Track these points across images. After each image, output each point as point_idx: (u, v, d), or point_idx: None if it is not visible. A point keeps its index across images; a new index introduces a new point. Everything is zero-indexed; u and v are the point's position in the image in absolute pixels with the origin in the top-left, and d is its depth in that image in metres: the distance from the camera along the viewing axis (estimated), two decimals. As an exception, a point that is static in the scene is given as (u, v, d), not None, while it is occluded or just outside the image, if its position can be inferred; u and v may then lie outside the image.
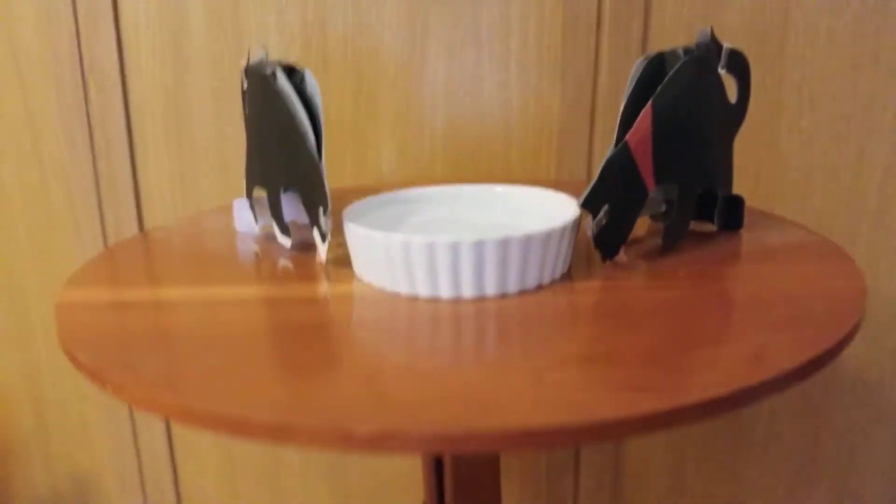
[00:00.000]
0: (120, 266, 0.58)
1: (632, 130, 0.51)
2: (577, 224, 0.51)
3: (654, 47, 0.86)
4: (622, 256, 0.55)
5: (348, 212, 0.55)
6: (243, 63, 0.65)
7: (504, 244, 0.47)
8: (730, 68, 0.60)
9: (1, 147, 0.95)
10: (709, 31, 0.59)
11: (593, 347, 0.41)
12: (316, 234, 0.56)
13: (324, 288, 0.52)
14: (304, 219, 0.65)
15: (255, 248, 0.61)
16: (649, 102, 0.52)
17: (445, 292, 0.49)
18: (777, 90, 0.86)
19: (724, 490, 1.04)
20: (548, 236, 0.49)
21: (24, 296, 1.01)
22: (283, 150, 0.57)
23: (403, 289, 0.50)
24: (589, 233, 0.51)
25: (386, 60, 0.88)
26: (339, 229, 0.64)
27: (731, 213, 0.61)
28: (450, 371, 0.39)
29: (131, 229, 0.95)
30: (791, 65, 0.86)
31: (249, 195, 0.65)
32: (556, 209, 0.57)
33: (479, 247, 0.47)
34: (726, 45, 0.59)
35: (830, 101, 0.87)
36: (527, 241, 0.48)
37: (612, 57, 0.86)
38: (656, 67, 0.56)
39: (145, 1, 0.88)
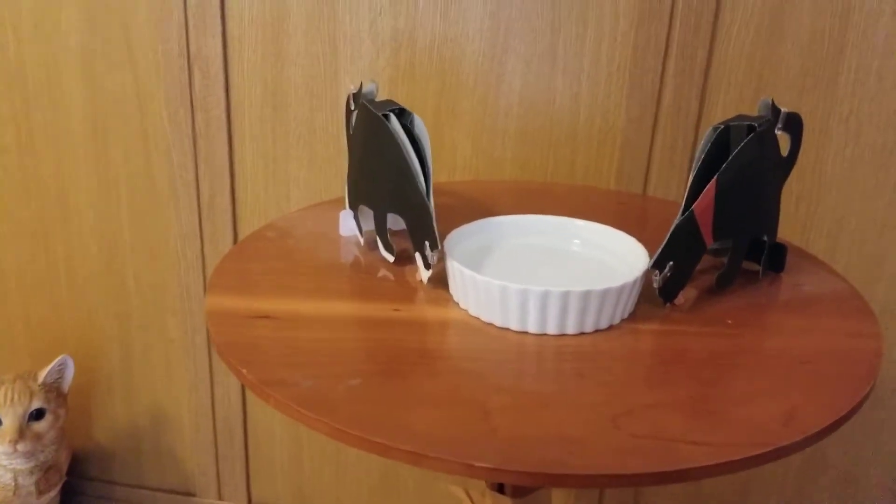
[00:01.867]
0: (248, 272, 0.68)
1: (698, 201, 0.60)
2: (645, 274, 0.61)
3: (716, 74, 0.93)
4: (680, 298, 0.64)
5: (450, 245, 0.65)
6: (352, 88, 0.74)
7: (586, 296, 0.57)
8: (786, 128, 0.69)
9: (111, 124, 1.05)
10: (769, 101, 0.67)
11: (656, 395, 0.52)
12: (419, 259, 0.66)
13: (430, 312, 0.62)
14: (399, 225, 0.74)
15: (361, 257, 0.72)
16: (714, 178, 0.60)
17: (532, 328, 0.59)
18: (826, 119, 0.94)
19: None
20: (622, 289, 0.58)
21: (122, 252, 1.13)
22: (394, 182, 0.66)
23: (497, 321, 0.60)
24: (655, 286, 0.61)
25: (467, 69, 0.96)
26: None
27: (775, 258, 0.70)
28: (546, 411, 0.50)
29: (224, 202, 1.06)
30: (841, 97, 0.93)
31: (353, 207, 0.75)
32: (626, 249, 0.66)
33: (564, 296, 0.57)
34: (784, 110, 0.67)
35: (875, 132, 0.94)
36: (604, 294, 0.58)
37: (677, 81, 0.93)
38: (722, 137, 0.65)
39: (250, 0, 0.96)
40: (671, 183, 0.97)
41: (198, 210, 1.08)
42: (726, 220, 0.62)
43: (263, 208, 1.07)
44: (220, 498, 1.26)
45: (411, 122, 0.69)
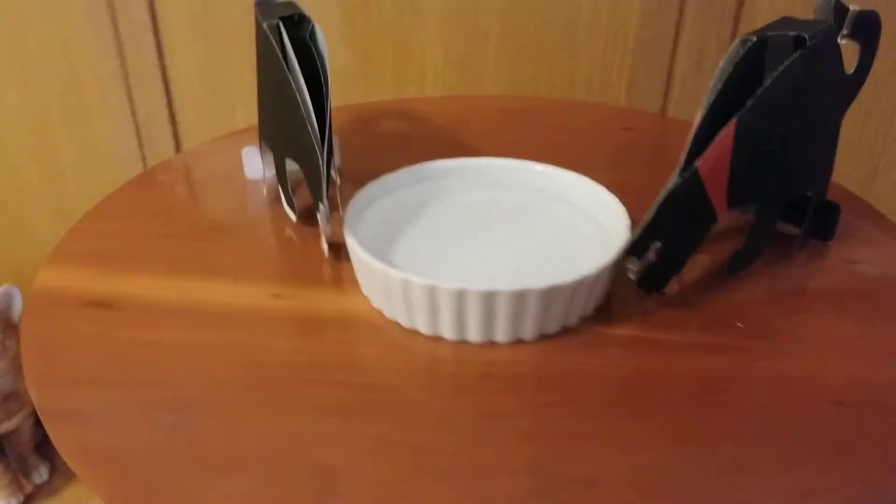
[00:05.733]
0: (109, 235, 0.52)
1: (705, 156, 0.40)
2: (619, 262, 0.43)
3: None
4: (672, 286, 0.46)
5: (358, 205, 0.47)
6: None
7: (520, 297, 0.39)
8: (854, 34, 0.47)
9: (31, 42, 0.88)
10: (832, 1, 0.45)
11: (600, 460, 0.34)
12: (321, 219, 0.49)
13: (321, 301, 0.45)
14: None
15: (262, 213, 0.54)
16: (732, 121, 0.40)
17: (448, 333, 0.42)
18: (910, 14, 0.70)
19: None
20: (576, 287, 0.40)
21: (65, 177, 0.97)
22: (286, 120, 0.48)
23: (402, 320, 0.43)
24: (630, 275, 0.42)
25: (437, -49, 0.75)
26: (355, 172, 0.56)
27: (823, 223, 0.50)
28: (421, 487, 0.33)
29: (162, 117, 0.89)
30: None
31: (260, 143, 0.57)
32: (609, 213, 0.47)
33: (488, 297, 0.39)
34: (853, 7, 0.46)
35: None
36: (547, 294, 0.40)
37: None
38: (755, 57, 0.44)
39: None
40: (699, 100, 0.76)
41: (136, 130, 0.91)
42: (749, 181, 0.43)
43: (207, 129, 0.89)
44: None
45: (312, 34, 0.50)
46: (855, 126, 0.75)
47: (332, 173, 0.55)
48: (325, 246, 0.49)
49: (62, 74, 0.87)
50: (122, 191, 0.58)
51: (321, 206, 0.47)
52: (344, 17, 0.79)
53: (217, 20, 0.82)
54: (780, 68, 0.40)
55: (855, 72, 0.50)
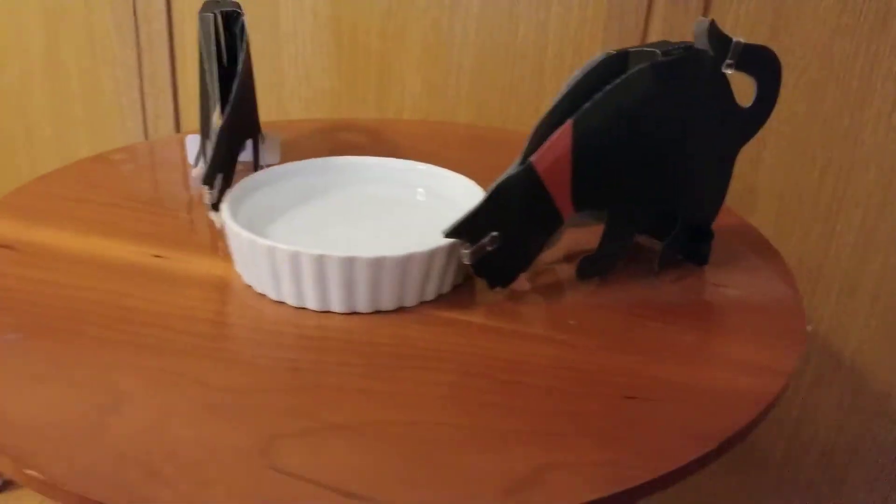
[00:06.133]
0: (45, 197, 0.57)
1: (540, 151, 0.42)
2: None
3: (718, 11, 0.72)
4: (522, 284, 0.47)
5: (247, 186, 0.51)
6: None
7: (349, 263, 0.42)
8: (743, 67, 0.49)
9: (63, 34, 0.97)
10: (707, 24, 0.47)
11: (362, 415, 0.36)
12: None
13: (198, 266, 0.49)
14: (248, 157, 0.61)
15: (189, 193, 0.59)
16: (568, 122, 0.42)
17: (290, 300, 0.44)
18: (868, 75, 0.70)
19: None
20: (406, 261, 0.42)
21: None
22: (203, 104, 0.53)
23: (255, 285, 0.46)
24: (464, 260, 0.44)
25: (417, -15, 0.80)
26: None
27: (698, 248, 0.51)
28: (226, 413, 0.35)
29: (167, 124, 0.96)
30: (891, 49, 0.69)
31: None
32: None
33: (319, 261, 0.42)
34: (736, 39, 0.48)
35: (938, 95, 0.70)
36: (376, 264, 0.42)
37: (667, 12, 0.73)
38: (618, 71, 0.46)
39: None
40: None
41: (144, 127, 0.98)
42: (594, 186, 0.44)
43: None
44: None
45: (241, 28, 0.55)
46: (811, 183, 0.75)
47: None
48: (213, 218, 0.52)
49: (86, 78, 0.95)
50: (79, 163, 0.64)
51: (207, 184, 0.50)
52: (334, 43, 0.84)
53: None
54: (620, 78, 0.42)
55: (753, 105, 0.51)
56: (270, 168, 0.53)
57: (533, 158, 0.42)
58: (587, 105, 0.42)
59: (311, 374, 0.39)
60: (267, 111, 0.91)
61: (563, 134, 0.42)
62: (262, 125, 0.60)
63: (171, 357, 0.39)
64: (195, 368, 0.39)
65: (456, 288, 0.47)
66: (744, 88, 0.50)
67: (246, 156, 0.60)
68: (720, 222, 0.57)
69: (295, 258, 0.42)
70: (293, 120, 0.81)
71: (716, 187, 0.51)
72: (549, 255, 0.52)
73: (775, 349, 0.42)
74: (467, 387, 0.38)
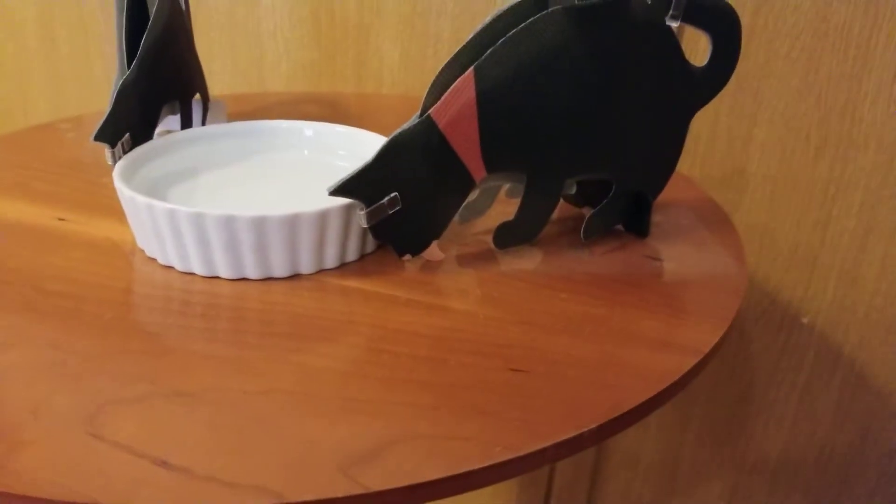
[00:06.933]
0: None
1: (441, 103, 0.38)
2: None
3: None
4: (436, 253, 0.43)
5: (138, 151, 0.47)
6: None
7: (228, 222, 0.39)
8: (690, 19, 0.44)
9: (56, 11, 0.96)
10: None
11: (207, 382, 0.33)
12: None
13: (99, 230, 0.46)
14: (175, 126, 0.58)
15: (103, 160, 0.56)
16: (470, 70, 0.38)
17: (177, 264, 0.41)
18: (867, 42, 0.64)
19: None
20: (292, 221, 0.39)
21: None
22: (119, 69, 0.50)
23: (147, 249, 0.43)
24: (360, 222, 0.40)
25: (391, -47, 0.76)
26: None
27: (638, 219, 0.46)
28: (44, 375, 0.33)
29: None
30: (892, 13, 0.63)
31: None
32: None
33: (198, 219, 0.39)
34: (682, -11, 0.43)
35: (946, 65, 0.63)
36: (259, 224, 0.39)
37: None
38: (533, 14, 0.42)
39: None
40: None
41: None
42: (504, 145, 0.40)
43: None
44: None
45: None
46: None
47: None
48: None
49: (78, 55, 0.94)
50: (28, 130, 0.62)
51: (107, 142, 0.47)
52: (312, 17, 0.81)
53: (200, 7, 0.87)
54: (525, 23, 0.38)
55: (708, 65, 0.46)
56: (187, 130, 0.51)
57: (432, 111, 0.39)
58: (490, 51, 0.38)
59: (172, 340, 0.36)
60: (249, 86, 0.88)
61: (465, 83, 0.38)
62: (219, 96, 0.57)
63: (28, 317, 0.37)
64: (50, 331, 0.36)
65: (365, 256, 0.44)
66: (704, 46, 0.46)
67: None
68: (678, 196, 0.53)
69: (172, 216, 0.39)
70: (258, 93, 0.78)
71: (660, 154, 0.46)
72: (479, 224, 0.48)
73: (694, 327, 0.37)
74: (337, 357, 0.35)
